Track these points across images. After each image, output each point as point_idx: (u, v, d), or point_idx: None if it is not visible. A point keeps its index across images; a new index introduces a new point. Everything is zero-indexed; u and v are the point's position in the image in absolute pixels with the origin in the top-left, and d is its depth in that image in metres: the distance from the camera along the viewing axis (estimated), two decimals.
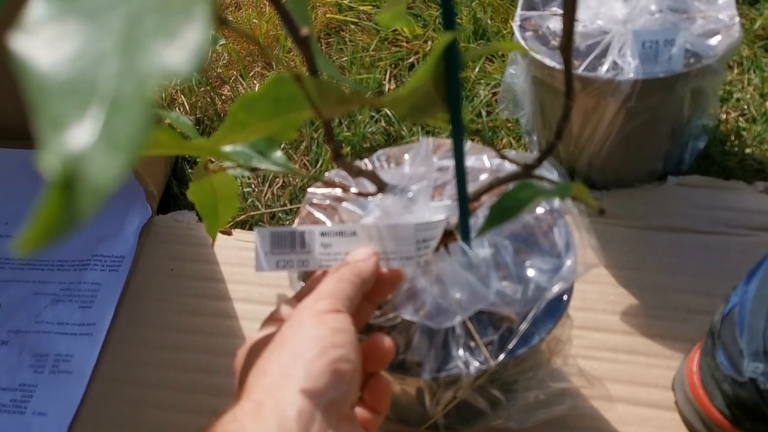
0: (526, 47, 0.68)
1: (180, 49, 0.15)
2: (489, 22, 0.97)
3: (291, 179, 0.84)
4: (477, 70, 0.92)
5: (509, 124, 0.85)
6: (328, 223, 0.53)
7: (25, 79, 0.15)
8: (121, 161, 0.14)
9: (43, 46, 0.15)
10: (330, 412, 0.34)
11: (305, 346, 0.35)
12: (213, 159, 0.54)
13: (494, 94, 0.88)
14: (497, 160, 0.54)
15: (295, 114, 0.31)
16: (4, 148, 0.85)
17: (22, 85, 0.15)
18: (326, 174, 0.59)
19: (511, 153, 0.58)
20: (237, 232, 0.79)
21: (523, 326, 0.46)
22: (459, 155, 0.39)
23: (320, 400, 0.34)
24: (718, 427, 0.55)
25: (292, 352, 0.35)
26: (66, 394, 0.68)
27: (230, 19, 1.07)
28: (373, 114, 0.89)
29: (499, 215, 0.34)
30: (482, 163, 0.54)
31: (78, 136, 0.14)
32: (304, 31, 0.29)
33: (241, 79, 0.98)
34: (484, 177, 0.53)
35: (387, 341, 0.40)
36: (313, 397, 0.34)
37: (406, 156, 0.56)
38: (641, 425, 0.60)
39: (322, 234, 0.44)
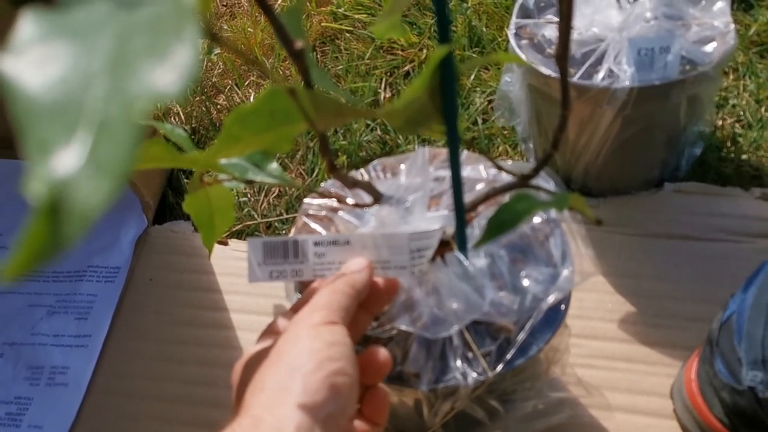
0: (522, 55, 0.68)
1: (169, 71, 0.14)
2: (484, 29, 0.97)
3: (287, 189, 0.84)
4: (473, 77, 0.91)
5: (505, 132, 0.85)
6: (324, 234, 0.53)
7: (12, 101, 0.15)
8: (108, 186, 0.14)
9: (31, 67, 0.15)
10: (328, 426, 0.34)
11: (302, 360, 0.35)
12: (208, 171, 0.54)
13: (490, 101, 0.88)
14: (494, 170, 0.54)
15: (290, 127, 0.31)
16: None
17: (9, 107, 0.14)
18: (322, 184, 0.58)
19: (507, 163, 0.58)
20: (233, 242, 0.79)
21: (521, 336, 0.46)
22: (455, 166, 0.39)
23: (318, 414, 0.34)
24: None
25: (289, 366, 0.35)
26: (62, 406, 0.67)
27: (225, 28, 1.07)
28: (368, 123, 0.89)
29: (497, 228, 0.34)
30: (478, 173, 0.54)
31: (65, 161, 0.14)
32: (299, 44, 0.29)
33: (236, 88, 0.98)
34: (480, 187, 0.53)
35: (383, 354, 0.40)
36: (311, 412, 0.33)
37: (402, 166, 0.55)
38: None
39: (316, 243, 0.44)
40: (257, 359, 0.38)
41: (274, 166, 0.44)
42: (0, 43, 0.15)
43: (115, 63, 0.15)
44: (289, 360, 0.36)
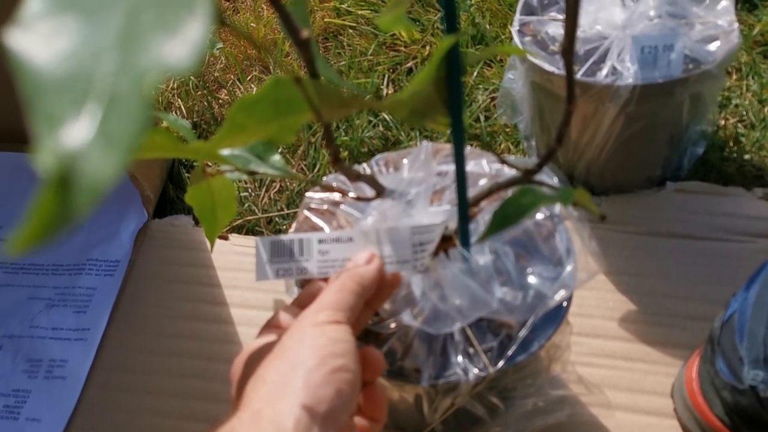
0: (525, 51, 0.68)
1: (180, 44, 0.14)
2: (487, 27, 0.96)
3: (288, 184, 0.83)
4: (475, 74, 0.91)
5: (507, 129, 0.85)
6: (326, 228, 0.53)
7: (20, 75, 0.14)
8: (118, 159, 0.13)
9: (40, 41, 0.15)
10: (328, 422, 0.34)
11: (305, 356, 0.35)
12: (210, 162, 0.54)
13: (492, 99, 0.88)
14: (496, 165, 0.54)
15: (295, 117, 0.31)
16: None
17: (17, 81, 0.14)
18: (324, 178, 0.58)
19: (511, 158, 0.58)
20: (233, 237, 0.79)
21: (523, 333, 0.46)
22: (460, 159, 0.39)
23: (319, 410, 0.33)
24: None
25: (292, 361, 0.35)
26: (60, 399, 0.67)
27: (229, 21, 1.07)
28: (371, 118, 0.88)
29: (502, 221, 0.34)
30: (481, 168, 0.53)
31: (74, 133, 0.14)
32: (305, 33, 0.29)
33: (238, 82, 0.98)
34: (483, 182, 0.52)
35: (376, 353, 0.40)
36: (311, 408, 0.33)
37: (405, 161, 0.55)
38: None
39: (320, 241, 0.44)
40: (259, 354, 0.38)
41: (276, 158, 0.44)
42: (7, 19, 0.15)
43: (125, 37, 0.14)
44: (292, 355, 0.36)
